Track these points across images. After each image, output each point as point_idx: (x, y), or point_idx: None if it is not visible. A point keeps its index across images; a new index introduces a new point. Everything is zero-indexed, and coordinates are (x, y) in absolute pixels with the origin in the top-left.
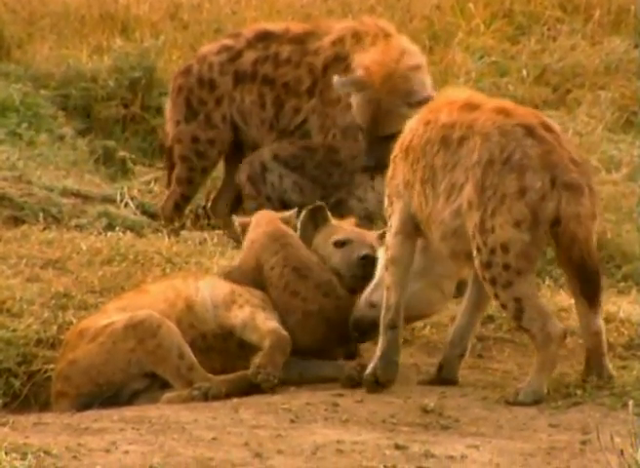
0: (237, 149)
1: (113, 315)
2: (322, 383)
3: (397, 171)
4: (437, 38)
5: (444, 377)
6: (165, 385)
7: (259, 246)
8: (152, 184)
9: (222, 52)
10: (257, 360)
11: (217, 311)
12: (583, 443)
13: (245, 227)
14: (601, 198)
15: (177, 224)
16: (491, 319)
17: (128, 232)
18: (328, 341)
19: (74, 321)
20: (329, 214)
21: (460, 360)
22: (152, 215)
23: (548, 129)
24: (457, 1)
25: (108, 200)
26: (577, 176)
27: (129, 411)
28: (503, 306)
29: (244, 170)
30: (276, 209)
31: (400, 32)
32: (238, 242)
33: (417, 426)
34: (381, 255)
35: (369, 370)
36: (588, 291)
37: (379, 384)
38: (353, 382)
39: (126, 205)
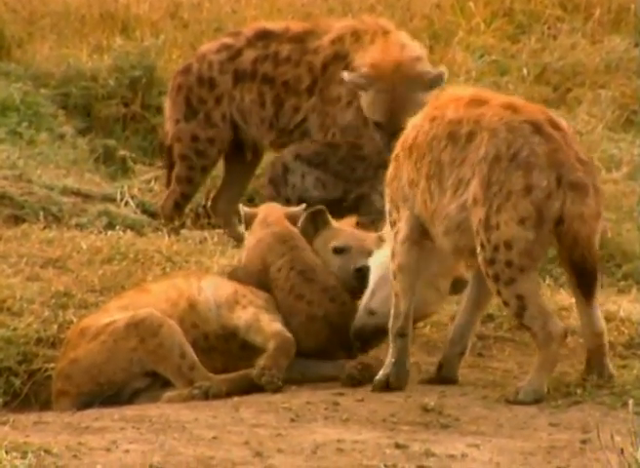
0: (237, 148)
1: (115, 314)
2: (323, 382)
3: (400, 170)
4: (437, 37)
5: (444, 376)
6: (166, 384)
7: (265, 246)
8: (152, 183)
9: (222, 50)
10: (261, 361)
11: (219, 311)
12: (584, 442)
13: (250, 219)
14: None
15: (177, 223)
16: (491, 318)
17: (128, 231)
18: (331, 345)
19: (74, 320)
20: (329, 216)
21: (461, 358)
22: (152, 214)
23: (555, 126)
24: (457, 0)
25: (108, 199)
26: (582, 176)
27: (129, 410)
28: (505, 303)
29: (267, 172)
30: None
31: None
32: (238, 240)
33: (417, 425)
34: (375, 260)
35: (380, 376)
36: (584, 286)
37: (389, 389)
38: (354, 381)
39: (126, 204)
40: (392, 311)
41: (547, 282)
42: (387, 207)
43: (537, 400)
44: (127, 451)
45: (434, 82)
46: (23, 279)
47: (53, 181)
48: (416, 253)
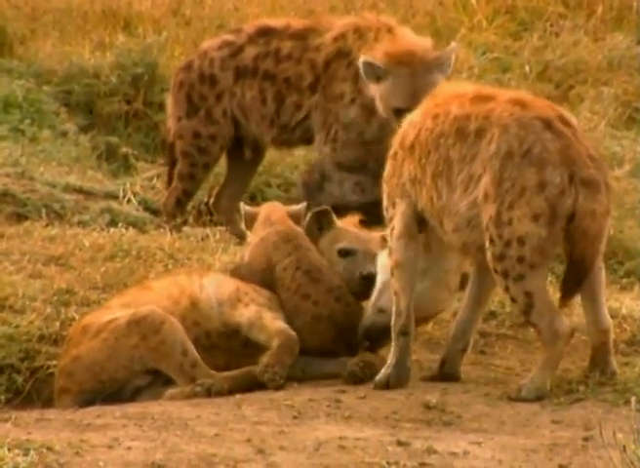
0: (239, 145)
1: (117, 311)
2: (325, 380)
3: (400, 168)
4: (440, 34)
5: (446, 373)
6: (168, 382)
7: (270, 245)
8: (155, 180)
9: (223, 47)
10: (264, 359)
11: (222, 309)
12: (586, 439)
13: (252, 218)
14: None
15: (179, 220)
16: (493, 315)
17: (130, 228)
18: (336, 345)
19: (77, 317)
20: (334, 217)
21: (463, 355)
22: (155, 212)
23: (566, 123)
24: None
25: (111, 196)
26: (594, 172)
27: (131, 408)
28: (513, 300)
29: (302, 174)
30: None
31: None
32: (240, 238)
33: (419, 422)
34: (381, 259)
35: (381, 376)
36: (569, 284)
37: (389, 388)
38: (356, 379)
39: (128, 201)
40: (394, 309)
41: (550, 279)
42: (385, 204)
43: (539, 397)
44: (129, 449)
45: (448, 62)
46: (26, 276)
47: (55, 179)
48: (413, 249)
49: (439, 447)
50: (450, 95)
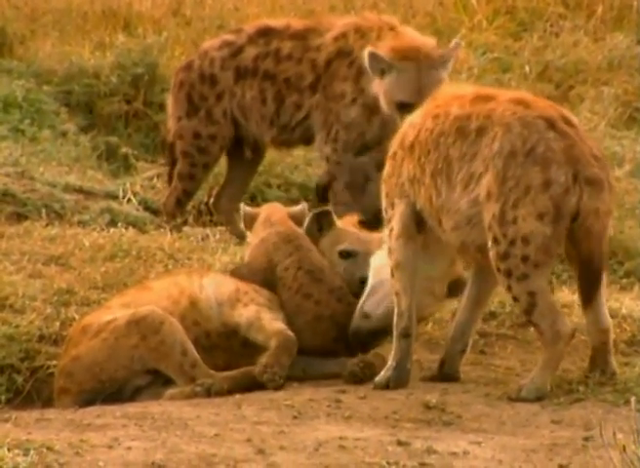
0: (239, 145)
1: (117, 311)
2: (325, 379)
3: (399, 168)
4: (440, 34)
5: (446, 373)
6: (168, 382)
7: (271, 246)
8: (155, 180)
9: (224, 47)
10: (263, 359)
11: (221, 309)
12: (586, 439)
13: (251, 219)
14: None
15: (179, 220)
16: (493, 315)
17: (130, 228)
18: (337, 345)
19: (77, 317)
20: (334, 218)
21: (462, 355)
22: (155, 212)
23: (568, 122)
24: None
25: (111, 196)
26: (598, 171)
27: (131, 408)
28: (515, 299)
29: (343, 176)
30: (369, 220)
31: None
32: (240, 238)
33: (419, 422)
34: (373, 263)
35: (381, 378)
36: (586, 287)
37: (389, 389)
38: (356, 378)
39: (128, 201)
40: (395, 310)
41: (549, 279)
42: (383, 204)
43: (539, 397)
44: (129, 449)
45: (453, 57)
46: (26, 276)
47: (55, 179)
48: (412, 249)
49: (439, 447)
50: (450, 96)
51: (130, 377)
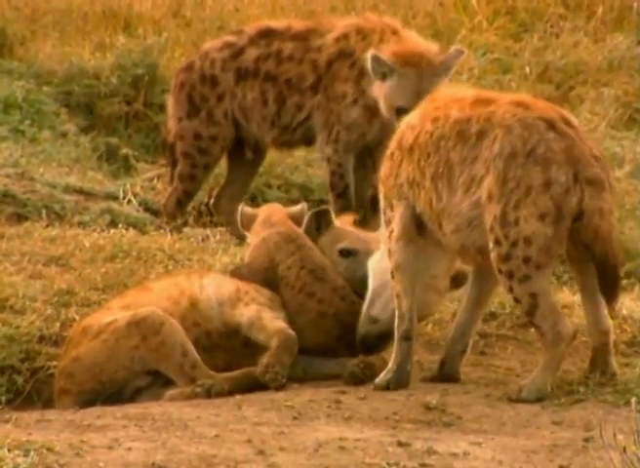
0: (240, 146)
1: (117, 312)
2: (325, 380)
3: (397, 168)
4: (440, 35)
5: (446, 374)
6: (168, 382)
7: (272, 245)
8: (155, 181)
9: (225, 48)
10: (264, 359)
11: (222, 309)
12: (586, 440)
13: (249, 219)
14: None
15: (179, 221)
16: (493, 316)
17: (130, 229)
18: (340, 343)
19: (77, 318)
20: (333, 217)
21: (462, 356)
22: (155, 212)
23: (568, 123)
24: None
25: (111, 197)
26: (598, 171)
27: (132, 409)
28: (517, 300)
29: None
30: None
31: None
32: (241, 239)
33: (419, 423)
34: (372, 265)
35: (381, 380)
36: (608, 286)
37: (389, 390)
38: (356, 379)
39: (129, 202)
40: (396, 313)
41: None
42: (382, 205)
43: (539, 398)
44: (129, 449)
45: (455, 64)
46: (26, 277)
47: (55, 179)
48: (412, 251)
49: (439, 447)
50: (450, 98)
51: (130, 378)
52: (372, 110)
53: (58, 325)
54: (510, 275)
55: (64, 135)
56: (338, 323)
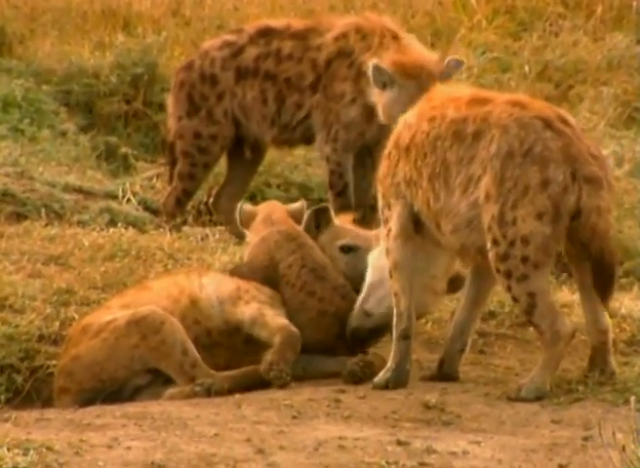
0: (239, 145)
1: (116, 311)
2: (324, 379)
3: (394, 168)
4: (439, 34)
5: (445, 373)
6: (168, 381)
7: (273, 244)
8: (154, 180)
9: (224, 47)
10: (268, 357)
11: (222, 307)
12: (585, 439)
13: (249, 217)
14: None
15: (178, 220)
16: (492, 315)
17: (130, 228)
18: (339, 341)
19: (76, 317)
20: (332, 215)
21: (461, 355)
22: (154, 211)
23: (565, 122)
24: None
25: (110, 196)
26: (596, 170)
27: (131, 407)
28: (515, 300)
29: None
30: None
31: (402, 28)
32: (240, 238)
33: (418, 422)
34: (371, 260)
35: (380, 379)
36: (603, 285)
37: (388, 389)
38: (355, 378)
39: (128, 201)
40: (394, 311)
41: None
42: (380, 204)
43: (538, 397)
44: (129, 448)
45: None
46: (25, 276)
47: (55, 178)
48: (410, 249)
49: (438, 446)
50: (446, 98)
51: (130, 377)
52: (370, 109)
53: (57, 324)
54: (508, 274)
55: (64, 134)
56: (338, 321)
